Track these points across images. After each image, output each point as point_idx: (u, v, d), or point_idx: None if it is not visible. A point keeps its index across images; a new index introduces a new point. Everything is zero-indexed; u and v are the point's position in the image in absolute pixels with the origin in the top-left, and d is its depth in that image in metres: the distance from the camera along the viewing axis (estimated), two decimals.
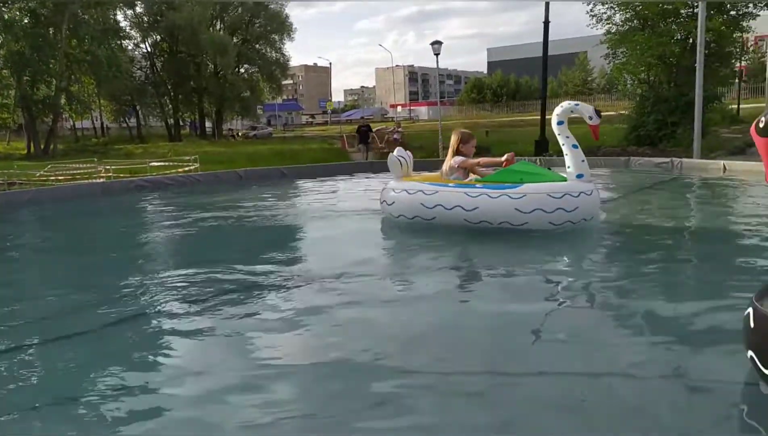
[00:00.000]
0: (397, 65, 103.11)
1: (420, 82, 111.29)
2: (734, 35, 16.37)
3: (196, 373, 2.47)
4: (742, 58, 25.74)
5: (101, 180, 11.42)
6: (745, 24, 16.19)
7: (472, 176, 5.41)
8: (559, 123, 5.19)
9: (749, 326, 1.90)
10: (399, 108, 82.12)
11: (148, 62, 43.46)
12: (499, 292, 3.55)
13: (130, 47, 42.07)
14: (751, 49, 36.24)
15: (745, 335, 1.94)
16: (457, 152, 5.44)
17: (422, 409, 2.11)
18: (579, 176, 5.02)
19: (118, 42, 38.42)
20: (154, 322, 3.17)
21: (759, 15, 16.79)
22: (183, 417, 2.12)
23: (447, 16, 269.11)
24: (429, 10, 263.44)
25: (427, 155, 19.94)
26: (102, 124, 49.04)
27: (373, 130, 23.80)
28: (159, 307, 3.37)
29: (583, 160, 5.07)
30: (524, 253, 4.49)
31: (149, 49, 43.00)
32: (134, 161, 16.07)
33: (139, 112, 43.60)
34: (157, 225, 6.68)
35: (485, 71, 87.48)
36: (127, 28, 40.19)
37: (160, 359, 2.68)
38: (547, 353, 2.57)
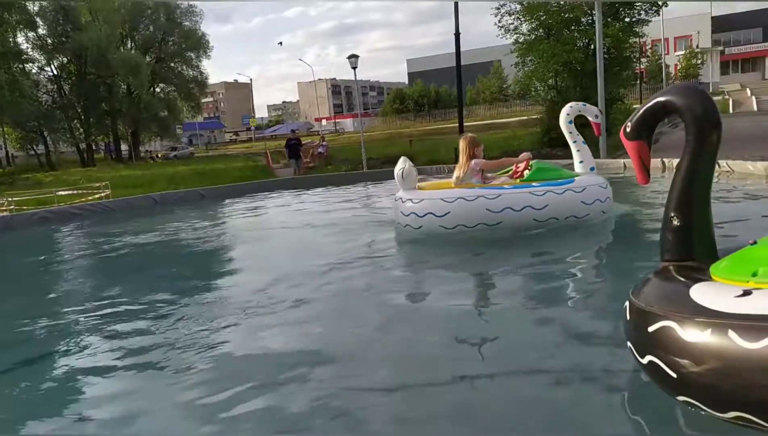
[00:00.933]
0: (319, 79, 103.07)
1: (344, 95, 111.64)
2: (630, 40, 17.50)
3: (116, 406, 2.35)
4: (641, 61, 27.54)
5: (3, 213, 10.67)
6: (638, 29, 17.35)
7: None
8: (569, 122, 5.57)
9: (626, 319, 2.02)
10: (324, 121, 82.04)
11: (55, 85, 41.23)
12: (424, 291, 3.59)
13: (34, 70, 39.82)
14: (648, 52, 38.87)
15: (623, 327, 2.07)
16: (472, 156, 5.37)
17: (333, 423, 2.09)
18: (592, 169, 5.52)
19: (20, 66, 36.31)
20: (63, 362, 2.98)
21: (650, 21, 18.08)
22: None
23: (366, 29, 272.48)
24: (348, 24, 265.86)
25: (352, 168, 20.01)
26: (7, 152, 45.93)
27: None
28: (61, 347, 3.18)
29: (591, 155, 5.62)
30: (449, 256, 4.57)
31: (55, 72, 40.83)
32: (42, 191, 15.16)
33: (48, 138, 41.20)
34: (57, 260, 6.31)
35: (407, 81, 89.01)
36: (29, 50, 38.03)
37: (66, 402, 2.52)
38: (458, 357, 2.62)
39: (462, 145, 5.47)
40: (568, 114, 5.59)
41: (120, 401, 2.45)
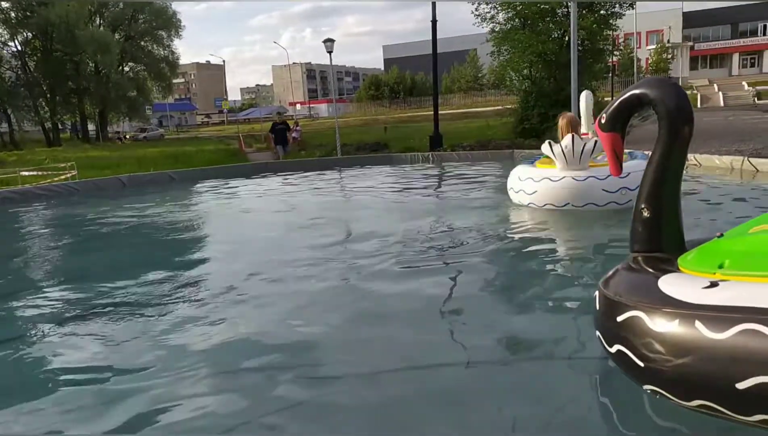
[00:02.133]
0: (294, 63, 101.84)
1: (318, 80, 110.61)
2: (604, 33, 17.68)
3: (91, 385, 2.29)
4: (614, 54, 27.88)
5: None
6: (612, 22, 17.53)
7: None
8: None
9: (595, 308, 2.05)
10: (298, 106, 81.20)
11: (19, 61, 39.84)
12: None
13: None
14: (621, 45, 39.37)
15: (593, 316, 2.10)
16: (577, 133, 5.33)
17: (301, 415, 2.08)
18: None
19: None
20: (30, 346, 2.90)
21: (624, 14, 18.28)
22: None
23: (342, 13, 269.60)
24: (324, 7, 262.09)
25: (326, 154, 19.87)
26: None
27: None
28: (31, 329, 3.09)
29: None
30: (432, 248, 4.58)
31: (20, 48, 39.43)
32: (5, 170, 14.66)
33: (11, 116, 39.85)
34: (22, 242, 6.13)
35: (382, 68, 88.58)
36: None
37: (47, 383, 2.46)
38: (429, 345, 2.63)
39: (567, 123, 5.40)
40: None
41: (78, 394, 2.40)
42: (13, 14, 37.19)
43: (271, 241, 5.14)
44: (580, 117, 6.38)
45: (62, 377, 2.51)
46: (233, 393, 2.28)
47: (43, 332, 3.07)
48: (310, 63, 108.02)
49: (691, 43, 49.94)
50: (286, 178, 10.03)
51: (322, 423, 2.05)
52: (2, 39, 38.41)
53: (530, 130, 16.54)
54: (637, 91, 2.19)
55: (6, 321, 3.28)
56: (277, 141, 17.06)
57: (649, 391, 1.86)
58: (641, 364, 1.79)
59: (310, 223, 5.84)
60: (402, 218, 5.96)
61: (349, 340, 2.78)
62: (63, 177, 11.26)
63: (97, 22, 41.58)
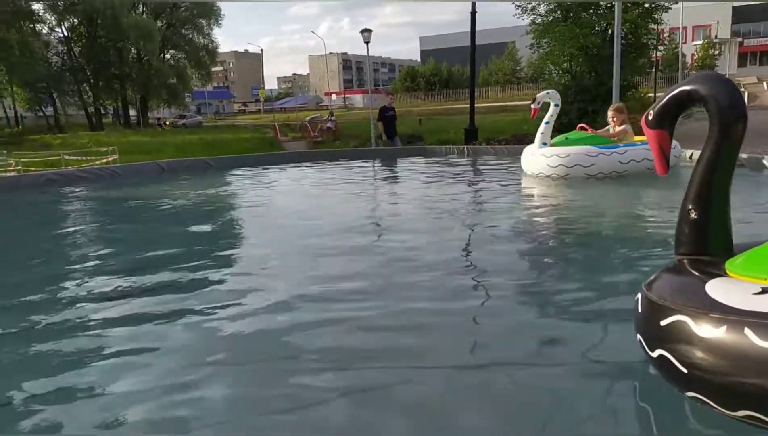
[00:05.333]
0: (330, 53, 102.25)
1: (354, 70, 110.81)
2: (649, 27, 17.22)
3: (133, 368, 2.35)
4: (658, 49, 27.12)
5: (11, 173, 10.69)
6: (657, 16, 17.05)
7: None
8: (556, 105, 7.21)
9: (637, 311, 1.99)
10: (333, 96, 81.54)
11: (65, 47, 41.00)
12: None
13: (44, 31, 39.60)
14: (666, 40, 38.26)
15: (634, 319, 2.03)
16: (623, 122, 7.09)
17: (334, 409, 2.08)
18: (543, 144, 7.12)
19: (31, 25, 36.12)
20: (79, 321, 2.99)
21: (671, 8, 17.75)
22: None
23: (381, 3, 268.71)
24: None
25: (360, 144, 19.91)
26: (15, 113, 45.83)
27: (308, 119, 22.89)
28: (77, 305, 3.18)
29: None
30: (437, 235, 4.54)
31: (66, 34, 40.57)
32: (50, 153, 15.17)
33: (57, 101, 41.11)
34: (65, 222, 6.32)
35: (419, 59, 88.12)
36: (41, 11, 37.77)
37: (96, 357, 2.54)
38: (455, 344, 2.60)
39: (619, 112, 7.17)
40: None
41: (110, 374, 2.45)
42: (61, 1, 38.24)
43: (302, 228, 5.17)
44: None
45: (96, 358, 2.57)
46: (263, 380, 2.29)
47: (78, 311, 3.15)
48: (346, 53, 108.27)
49: (740, 39, 48.22)
50: (321, 168, 10.07)
51: (358, 417, 2.04)
52: (50, 25, 39.63)
53: (568, 126, 16.24)
54: (687, 87, 2.11)
55: (44, 300, 3.38)
56: (387, 132, 13.20)
57: (691, 398, 1.80)
58: (685, 370, 1.73)
59: (341, 213, 5.86)
60: (433, 213, 5.92)
61: (374, 334, 2.76)
62: (105, 161, 11.57)
63: (140, 9, 42.44)
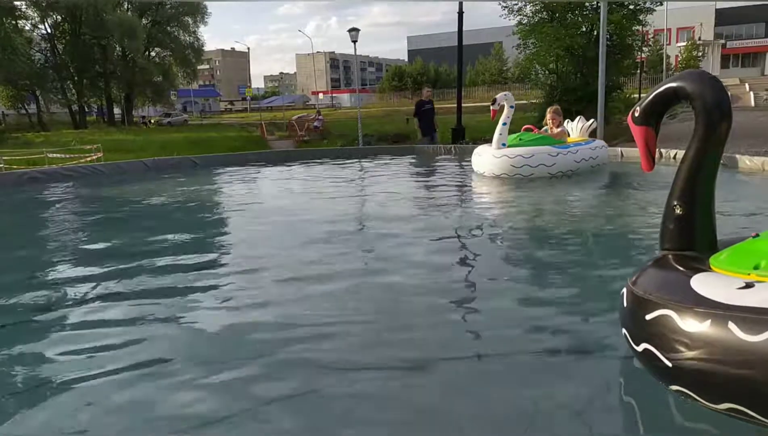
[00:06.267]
0: (317, 52, 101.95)
1: (342, 69, 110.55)
2: (633, 28, 17.37)
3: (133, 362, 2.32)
4: (643, 50, 27.39)
5: None
6: (642, 18, 17.21)
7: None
8: (511, 107, 7.32)
9: (622, 305, 2.01)
10: (321, 95, 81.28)
11: (49, 44, 40.44)
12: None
13: (27, 28, 39.01)
14: (650, 41, 38.66)
15: (620, 313, 2.05)
16: (560, 124, 7.64)
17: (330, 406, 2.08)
18: (503, 145, 7.24)
19: (13, 22, 35.54)
20: (68, 318, 2.95)
21: (655, 10, 17.93)
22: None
23: (369, 2, 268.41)
24: None
25: (348, 143, 19.89)
26: None
27: (295, 117, 22.64)
28: (68, 303, 3.14)
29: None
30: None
31: (49, 31, 40.02)
32: (32, 151, 14.95)
33: (40, 98, 40.53)
34: (48, 222, 6.23)
35: (406, 59, 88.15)
36: (23, 6, 37.19)
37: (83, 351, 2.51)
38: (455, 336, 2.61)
39: (556, 114, 7.65)
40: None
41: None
42: None
43: (290, 226, 5.15)
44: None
45: (84, 360, 2.54)
46: (251, 378, 2.28)
47: (64, 311, 3.11)
48: (333, 52, 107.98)
49: (723, 41, 48.85)
50: (307, 167, 10.04)
51: (346, 414, 2.04)
52: (33, 21, 39.03)
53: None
54: (674, 84, 2.13)
55: (29, 300, 3.33)
56: (423, 128, 12.10)
57: (675, 392, 1.82)
58: (669, 364, 1.75)
59: (330, 211, 5.84)
60: (421, 208, 5.93)
61: (369, 330, 2.76)
62: (89, 159, 11.43)
63: (125, 6, 41.96)
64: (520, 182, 6.97)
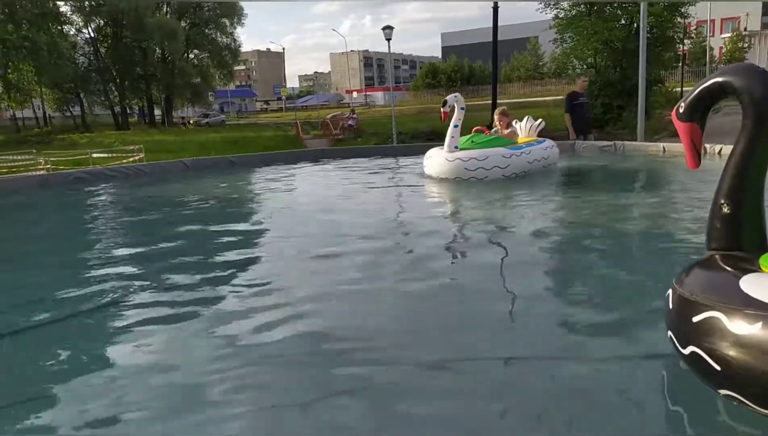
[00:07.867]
0: (351, 50, 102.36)
1: (375, 68, 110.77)
2: (675, 20, 16.86)
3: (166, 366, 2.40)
4: (684, 43, 26.59)
5: (40, 172, 10.93)
6: (684, 10, 16.69)
7: None
8: (462, 108, 7.15)
9: (668, 307, 1.96)
10: (355, 94, 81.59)
11: (92, 48, 41.77)
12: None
13: (71, 32, 40.36)
14: (693, 33, 37.50)
15: (665, 315, 2.00)
16: (510, 124, 7.81)
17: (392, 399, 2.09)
18: (456, 148, 7.09)
19: (59, 27, 36.81)
20: (116, 316, 3.06)
21: (698, 0, 17.37)
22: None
23: (403, 0, 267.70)
24: None
25: (381, 141, 19.91)
26: (44, 113, 46.79)
27: (329, 116, 22.81)
28: (111, 302, 3.25)
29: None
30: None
31: (92, 35, 41.32)
32: (77, 152, 15.47)
33: (84, 100, 41.90)
34: (100, 218, 6.44)
35: (440, 56, 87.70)
36: (68, 12, 38.51)
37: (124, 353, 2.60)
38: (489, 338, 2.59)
39: (504, 115, 7.84)
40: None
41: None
42: (87, 3, 38.93)
43: (327, 224, 5.20)
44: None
45: (120, 358, 2.62)
46: (296, 375, 2.31)
47: (100, 309, 3.21)
48: (367, 51, 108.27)
49: None
50: (342, 165, 10.10)
51: (382, 410, 2.05)
52: (77, 26, 40.35)
53: (593, 121, 16.03)
54: (720, 79, 2.06)
55: (68, 298, 3.45)
56: (577, 125, 10.21)
57: (725, 396, 1.77)
58: (718, 368, 1.70)
59: (362, 210, 5.87)
60: (457, 208, 5.90)
61: (400, 329, 2.77)
62: (132, 159, 11.76)
63: (164, 10, 42.99)
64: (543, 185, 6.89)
